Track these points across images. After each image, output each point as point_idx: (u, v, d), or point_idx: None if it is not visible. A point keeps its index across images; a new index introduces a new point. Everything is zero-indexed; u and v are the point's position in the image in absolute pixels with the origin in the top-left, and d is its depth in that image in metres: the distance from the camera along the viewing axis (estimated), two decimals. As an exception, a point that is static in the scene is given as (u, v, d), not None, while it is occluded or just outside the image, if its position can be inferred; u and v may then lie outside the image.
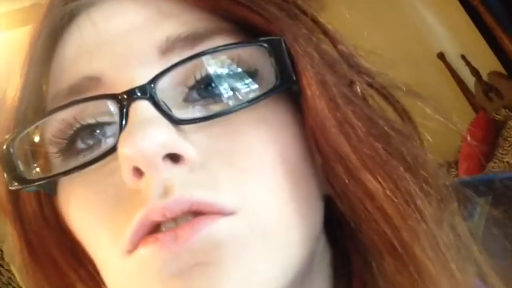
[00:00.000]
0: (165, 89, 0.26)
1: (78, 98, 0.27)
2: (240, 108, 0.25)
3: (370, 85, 0.29)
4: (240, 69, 0.27)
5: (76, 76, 0.27)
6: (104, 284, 0.28)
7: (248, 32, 0.28)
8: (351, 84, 0.28)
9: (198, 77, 0.27)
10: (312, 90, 0.26)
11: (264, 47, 0.27)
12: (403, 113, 0.30)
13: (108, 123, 0.27)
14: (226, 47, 0.26)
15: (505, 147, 1.71)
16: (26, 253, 0.31)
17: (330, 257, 0.31)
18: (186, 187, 0.24)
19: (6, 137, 0.28)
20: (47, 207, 0.30)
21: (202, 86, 0.27)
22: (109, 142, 0.27)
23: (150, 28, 0.27)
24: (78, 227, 0.28)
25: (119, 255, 0.25)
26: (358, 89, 0.29)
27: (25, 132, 0.28)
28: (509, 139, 1.70)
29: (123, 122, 0.25)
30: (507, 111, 1.77)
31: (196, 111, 0.26)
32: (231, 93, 0.26)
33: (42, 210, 0.30)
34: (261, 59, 0.27)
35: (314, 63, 0.27)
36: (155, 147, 0.23)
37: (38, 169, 0.28)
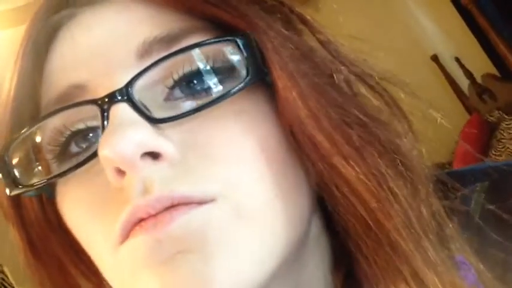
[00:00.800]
0: (144, 90, 0.27)
1: (68, 104, 0.28)
2: (213, 104, 0.26)
3: (353, 73, 0.30)
4: (214, 65, 0.27)
5: (63, 85, 0.29)
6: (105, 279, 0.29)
7: (223, 28, 0.29)
8: (331, 72, 0.29)
9: (176, 76, 0.27)
10: (282, 82, 0.27)
11: (233, 42, 0.27)
12: (390, 100, 0.30)
13: (98, 127, 0.28)
14: (196, 45, 0.27)
15: (498, 148, 1.72)
16: (30, 254, 0.32)
17: (327, 243, 0.32)
18: (165, 183, 0.25)
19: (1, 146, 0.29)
20: (50, 210, 0.31)
21: (182, 84, 0.28)
22: (93, 144, 0.28)
23: (127, 34, 0.28)
24: (74, 225, 0.29)
25: (110, 249, 0.26)
26: (338, 78, 0.29)
27: (18, 141, 0.29)
28: (502, 140, 1.71)
29: (104, 125, 0.26)
30: (500, 112, 1.79)
31: (176, 109, 0.27)
32: (207, 89, 0.27)
33: (44, 213, 0.31)
34: (235, 54, 0.28)
35: (285, 55, 0.27)
36: (131, 148, 0.24)
37: (35, 174, 0.29)
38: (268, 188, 0.26)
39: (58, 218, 0.30)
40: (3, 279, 1.46)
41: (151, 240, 0.25)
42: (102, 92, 0.27)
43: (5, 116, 0.30)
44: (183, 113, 0.26)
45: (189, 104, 0.27)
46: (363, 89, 0.30)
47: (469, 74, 1.85)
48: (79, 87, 0.28)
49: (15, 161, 0.29)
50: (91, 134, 0.28)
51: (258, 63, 0.27)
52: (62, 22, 0.31)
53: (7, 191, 0.29)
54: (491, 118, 1.82)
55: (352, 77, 0.30)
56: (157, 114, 0.27)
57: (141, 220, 0.25)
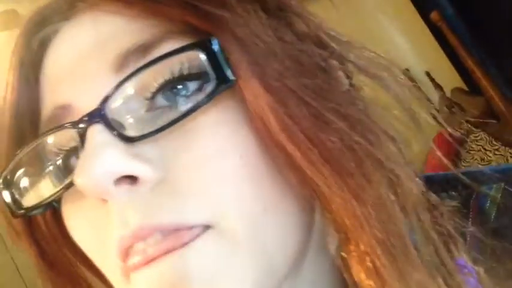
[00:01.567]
0: (121, 105, 0.26)
1: (51, 127, 0.28)
2: (183, 117, 0.25)
3: (338, 59, 0.29)
4: (185, 75, 0.26)
5: (50, 106, 0.29)
6: None
7: (195, 30, 0.28)
8: (315, 67, 0.28)
9: (151, 88, 0.27)
10: (249, 90, 0.25)
11: (198, 49, 0.26)
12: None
13: (67, 146, 0.29)
14: (161, 57, 0.26)
15: (467, 160, 1.77)
16: (43, 264, 0.32)
17: (332, 243, 0.30)
18: (143, 213, 0.24)
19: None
20: (61, 220, 0.31)
21: (159, 95, 0.27)
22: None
23: (101, 48, 0.28)
24: (79, 243, 0.29)
25: (119, 280, 0.26)
26: (324, 72, 0.28)
27: (16, 161, 0.29)
28: (471, 152, 1.76)
29: (82, 150, 0.26)
30: (469, 125, 1.84)
31: (156, 121, 0.26)
32: (181, 99, 0.26)
33: (59, 224, 0.31)
34: (202, 62, 0.26)
35: (254, 58, 0.26)
36: (102, 175, 0.24)
37: (38, 192, 0.29)
38: (254, 206, 0.25)
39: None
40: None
41: (152, 274, 0.24)
42: (85, 110, 0.27)
43: (5, 134, 0.31)
44: (156, 130, 0.25)
45: (167, 115, 0.26)
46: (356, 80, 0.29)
47: (439, 88, 1.90)
48: (64, 108, 0.28)
49: (17, 181, 0.29)
50: (64, 152, 0.29)
51: (225, 70, 0.26)
52: (49, 38, 0.31)
53: (12, 213, 0.29)
54: (461, 131, 1.88)
55: (342, 68, 0.29)
56: (137, 129, 0.26)
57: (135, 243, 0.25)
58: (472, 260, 0.29)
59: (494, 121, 1.64)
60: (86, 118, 0.26)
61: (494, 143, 1.73)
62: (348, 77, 0.30)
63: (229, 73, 0.26)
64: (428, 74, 1.95)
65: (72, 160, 0.29)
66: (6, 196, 0.29)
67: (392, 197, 0.26)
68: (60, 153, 0.29)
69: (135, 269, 0.25)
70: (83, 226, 0.27)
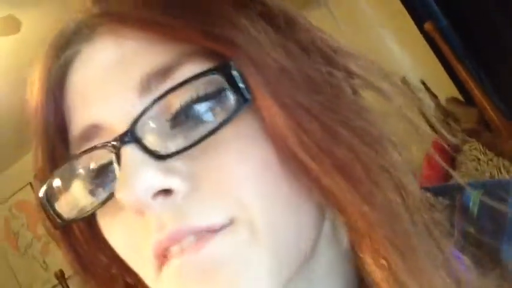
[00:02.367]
0: (149, 125, 0.29)
1: (85, 146, 0.31)
2: (208, 136, 0.27)
3: (347, 72, 0.31)
4: (207, 96, 0.28)
5: (81, 125, 0.31)
6: None
7: (212, 52, 0.29)
8: (323, 80, 0.29)
9: (174, 110, 0.29)
10: (266, 109, 0.28)
11: (217, 73, 0.28)
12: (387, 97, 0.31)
13: (101, 164, 0.30)
14: (185, 82, 0.28)
15: (461, 171, 1.79)
16: (79, 268, 0.34)
17: (344, 236, 0.32)
18: (178, 218, 0.27)
19: (41, 184, 0.31)
20: (96, 226, 0.33)
21: (182, 114, 0.29)
22: (111, 183, 0.30)
23: (124, 70, 0.30)
24: (116, 249, 0.31)
25: (153, 276, 0.29)
26: (331, 86, 0.29)
27: (54, 179, 0.31)
28: (465, 162, 1.78)
29: (118, 167, 0.28)
30: (463, 135, 1.86)
31: (180, 139, 0.28)
32: (204, 118, 0.28)
33: (91, 228, 0.33)
34: (222, 84, 0.28)
35: (268, 78, 0.28)
36: (142, 194, 0.26)
37: (74, 205, 0.31)
38: (274, 204, 0.28)
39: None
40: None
41: (185, 273, 0.27)
42: (117, 130, 0.29)
43: (38, 151, 0.33)
44: (185, 147, 0.27)
45: (192, 132, 0.28)
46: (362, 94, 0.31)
47: (434, 97, 1.92)
48: (96, 127, 0.30)
49: (55, 195, 0.31)
50: (99, 170, 0.31)
51: (243, 91, 0.28)
52: (71, 58, 0.33)
53: (54, 226, 0.31)
54: (455, 141, 1.90)
55: (349, 81, 0.31)
56: (165, 146, 0.28)
57: (171, 246, 0.27)
58: (460, 250, 0.31)
59: (487, 132, 1.66)
60: (118, 139, 0.28)
61: (488, 153, 1.75)
62: (353, 88, 0.32)
63: (246, 94, 0.28)
64: (423, 82, 1.98)
65: (105, 175, 0.31)
66: (49, 210, 0.31)
67: (399, 200, 0.29)
68: (92, 169, 0.31)
69: (174, 257, 0.27)
70: (119, 233, 0.30)
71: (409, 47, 1.99)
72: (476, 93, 1.53)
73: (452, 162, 1.86)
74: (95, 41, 0.32)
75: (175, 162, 0.28)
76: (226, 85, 0.28)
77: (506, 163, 1.68)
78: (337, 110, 0.29)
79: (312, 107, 0.28)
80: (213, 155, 0.28)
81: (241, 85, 0.28)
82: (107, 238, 0.31)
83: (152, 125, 0.29)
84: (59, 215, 0.31)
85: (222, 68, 0.28)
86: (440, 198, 0.35)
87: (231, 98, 0.28)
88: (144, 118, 0.28)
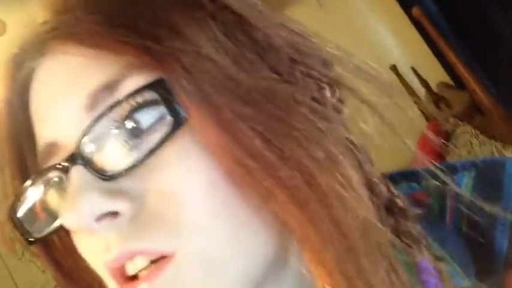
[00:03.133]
0: (96, 144, 0.29)
1: (48, 162, 0.31)
2: (150, 154, 0.27)
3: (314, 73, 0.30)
4: (149, 112, 0.28)
5: (41, 143, 0.31)
6: None
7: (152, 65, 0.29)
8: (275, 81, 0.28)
9: (118, 127, 0.28)
10: (200, 126, 0.27)
11: (152, 90, 0.28)
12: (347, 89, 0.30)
13: (56, 183, 0.31)
14: (118, 103, 0.28)
15: (456, 155, 1.80)
16: (63, 280, 0.35)
17: None
18: (122, 241, 0.27)
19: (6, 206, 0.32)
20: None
21: (127, 133, 0.28)
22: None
23: (73, 87, 0.30)
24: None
25: None
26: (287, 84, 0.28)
27: (20, 197, 0.32)
28: (457, 146, 1.79)
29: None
30: (455, 119, 1.86)
31: (127, 158, 0.28)
32: (147, 135, 0.28)
33: (70, 240, 0.33)
34: (157, 101, 0.28)
35: (204, 92, 0.27)
36: (86, 217, 0.26)
37: (44, 221, 0.32)
38: (223, 226, 0.27)
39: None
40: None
41: None
42: (67, 148, 0.29)
43: (6, 165, 0.33)
44: (128, 167, 0.27)
45: (136, 151, 0.28)
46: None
47: (425, 83, 1.92)
48: (51, 145, 0.30)
49: (23, 214, 0.31)
50: (54, 190, 0.32)
51: (178, 109, 0.27)
52: (29, 75, 0.33)
53: (27, 243, 0.31)
54: (448, 125, 1.90)
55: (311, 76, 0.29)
56: (113, 164, 0.28)
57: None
58: (434, 259, 0.30)
59: (479, 115, 1.67)
60: (66, 160, 0.29)
61: (480, 136, 1.76)
62: (318, 88, 0.30)
63: (181, 112, 0.27)
64: (414, 69, 1.98)
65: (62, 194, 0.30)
66: (19, 227, 0.31)
67: (349, 220, 0.27)
68: (53, 186, 0.31)
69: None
70: (84, 248, 0.31)
71: (398, 33, 1.99)
72: (466, 76, 1.53)
73: (445, 147, 1.87)
74: (45, 58, 0.32)
75: (124, 181, 0.28)
76: (161, 103, 0.27)
77: (499, 146, 1.68)
78: (288, 122, 0.27)
79: (256, 120, 0.27)
80: (157, 174, 0.27)
81: (174, 103, 0.27)
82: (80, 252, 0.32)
83: (99, 143, 0.28)
84: (28, 233, 0.31)
85: (156, 85, 0.28)
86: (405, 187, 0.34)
87: (168, 115, 0.27)
88: (90, 136, 0.28)
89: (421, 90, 1.99)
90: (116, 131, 0.28)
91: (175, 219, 0.27)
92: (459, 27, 1.55)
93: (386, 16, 2.02)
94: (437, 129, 1.87)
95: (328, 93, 0.30)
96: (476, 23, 1.49)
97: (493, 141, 1.71)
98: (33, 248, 0.34)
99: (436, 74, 1.90)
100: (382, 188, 0.31)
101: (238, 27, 0.29)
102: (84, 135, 0.28)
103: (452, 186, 0.33)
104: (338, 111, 0.30)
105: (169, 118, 0.27)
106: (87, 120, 0.29)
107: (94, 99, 0.29)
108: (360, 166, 0.29)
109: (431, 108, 1.95)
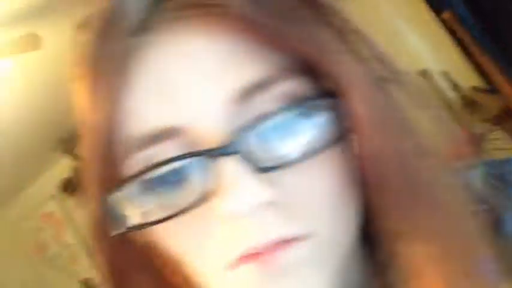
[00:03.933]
0: (253, 138, 0.28)
1: (151, 149, 0.29)
2: (315, 154, 0.28)
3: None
4: (312, 115, 0.29)
5: (154, 126, 0.29)
6: None
7: (309, 67, 0.29)
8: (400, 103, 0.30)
9: (273, 124, 0.29)
10: (366, 145, 0.29)
11: (335, 100, 0.29)
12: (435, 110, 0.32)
13: (186, 166, 0.29)
14: (303, 102, 0.28)
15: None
16: (113, 281, 0.34)
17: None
18: (277, 227, 0.28)
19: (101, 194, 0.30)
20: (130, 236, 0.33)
21: (281, 131, 0.29)
22: (196, 188, 0.29)
23: (222, 75, 0.28)
24: (178, 251, 0.31)
25: (221, 271, 0.30)
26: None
27: (120, 190, 0.29)
28: (489, 151, 1.76)
29: (215, 177, 0.28)
30: (488, 124, 1.84)
31: (276, 155, 0.29)
32: (305, 137, 0.29)
33: (124, 240, 0.33)
34: (329, 103, 0.29)
35: (370, 116, 0.29)
36: (253, 205, 0.27)
37: (133, 212, 0.30)
38: (342, 221, 0.30)
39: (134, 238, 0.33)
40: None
41: (263, 270, 0.29)
42: (197, 138, 0.28)
43: (95, 146, 0.30)
44: (287, 163, 0.28)
45: (286, 150, 0.29)
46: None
47: (456, 88, 1.90)
48: (171, 130, 0.29)
49: (117, 200, 0.30)
50: (181, 174, 0.29)
51: (345, 125, 0.29)
52: (140, 47, 0.30)
53: (117, 231, 0.30)
54: (480, 130, 1.88)
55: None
56: (263, 158, 0.28)
57: (254, 253, 0.29)
58: None
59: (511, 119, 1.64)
60: (221, 148, 0.28)
61: (514, 141, 1.73)
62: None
63: (349, 127, 0.29)
64: (445, 73, 1.96)
65: (185, 182, 0.29)
66: (115, 215, 0.30)
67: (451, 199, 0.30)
68: (161, 176, 0.29)
69: (253, 263, 0.29)
70: (190, 238, 0.30)
71: (429, 37, 1.98)
72: (499, 80, 1.51)
73: (477, 151, 1.84)
74: (179, 33, 0.29)
75: (273, 175, 0.28)
76: (335, 110, 0.29)
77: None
78: (413, 134, 0.30)
79: (397, 137, 0.29)
80: (301, 173, 0.29)
81: (345, 119, 0.29)
82: (169, 242, 0.31)
83: (256, 137, 0.29)
84: (124, 220, 0.30)
85: (335, 103, 0.29)
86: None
87: (338, 122, 0.29)
88: (253, 130, 0.28)
89: (452, 95, 1.98)
90: (271, 126, 0.29)
91: (315, 208, 0.29)
92: (491, 31, 1.53)
93: (416, 21, 2.01)
94: (470, 134, 1.85)
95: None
96: (508, 26, 1.47)
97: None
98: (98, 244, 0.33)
99: (468, 79, 1.88)
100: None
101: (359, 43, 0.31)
102: (249, 127, 0.28)
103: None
104: None
105: (335, 126, 0.29)
106: (234, 113, 0.28)
107: (245, 94, 0.28)
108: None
109: (463, 113, 1.93)
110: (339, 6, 0.30)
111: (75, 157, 2.70)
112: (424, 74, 2.00)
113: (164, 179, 0.29)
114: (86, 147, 0.31)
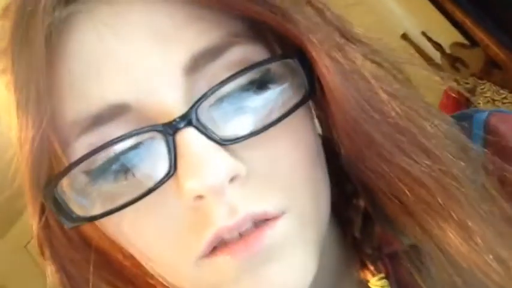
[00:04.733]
0: (209, 109, 0.27)
1: (98, 131, 0.26)
2: (278, 121, 0.27)
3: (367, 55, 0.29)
4: (271, 81, 0.28)
5: (100, 104, 0.26)
6: None
7: (263, 32, 0.28)
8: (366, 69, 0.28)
9: (235, 92, 0.27)
10: (337, 96, 0.27)
11: (292, 61, 0.27)
12: (405, 80, 0.31)
13: (138, 145, 0.27)
14: (258, 65, 0.26)
15: (479, 113, 1.79)
16: (67, 282, 0.31)
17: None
18: (245, 204, 0.26)
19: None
20: (73, 234, 0.31)
21: (237, 102, 0.27)
22: (156, 169, 0.26)
23: (165, 47, 0.26)
24: (137, 243, 0.29)
25: (190, 264, 0.27)
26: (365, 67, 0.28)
27: (67, 175, 0.26)
28: (480, 105, 1.78)
29: (174, 152, 0.25)
30: (474, 79, 1.85)
31: (236, 126, 0.27)
32: (266, 106, 0.27)
33: (65, 232, 0.30)
34: (294, 71, 0.28)
35: (334, 70, 0.27)
36: (222, 181, 0.25)
37: (84, 203, 0.28)
38: (314, 191, 0.29)
39: (78, 234, 0.31)
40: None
41: (240, 259, 0.26)
42: (148, 112, 0.26)
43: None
44: (250, 133, 0.26)
45: (247, 121, 0.27)
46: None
47: (438, 46, 1.91)
48: (120, 107, 0.26)
49: (64, 193, 0.27)
50: (135, 154, 0.27)
51: (313, 80, 0.27)
52: (80, 14, 0.26)
53: (66, 224, 0.28)
54: (467, 85, 1.89)
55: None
56: (222, 132, 0.26)
57: (226, 243, 0.26)
58: None
59: (497, 69, 1.66)
60: (178, 121, 0.25)
61: (501, 91, 1.74)
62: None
63: (315, 84, 0.27)
64: (424, 34, 1.97)
65: (134, 163, 0.27)
66: (65, 207, 0.27)
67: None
68: (116, 157, 0.27)
69: (228, 251, 0.27)
70: (153, 227, 0.27)
71: (404, 0, 1.98)
72: (477, 32, 1.52)
73: (467, 106, 1.86)
74: (122, 2, 0.26)
75: (236, 149, 0.27)
76: (297, 74, 0.27)
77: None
78: (402, 98, 0.29)
79: (374, 80, 0.28)
80: (266, 144, 0.27)
81: (312, 75, 0.27)
82: (128, 232, 0.28)
83: (212, 108, 0.27)
84: (72, 213, 0.27)
85: (297, 56, 0.27)
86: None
87: (299, 87, 0.28)
88: (209, 100, 0.26)
89: (435, 54, 1.98)
90: (231, 96, 0.27)
91: (282, 186, 0.27)
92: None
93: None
94: (457, 90, 1.86)
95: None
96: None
97: (515, 94, 1.70)
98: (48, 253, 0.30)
99: (448, 36, 1.89)
100: None
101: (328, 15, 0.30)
102: (204, 98, 0.26)
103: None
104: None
105: (297, 90, 0.27)
106: (183, 83, 0.26)
107: (195, 63, 0.26)
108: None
109: (448, 70, 1.94)
110: None
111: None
112: (405, 37, 2.00)
113: (113, 164, 0.26)
114: (22, 146, 0.27)
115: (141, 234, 0.28)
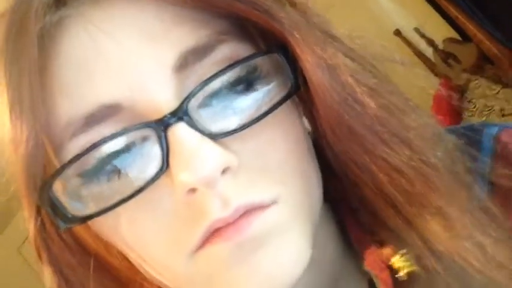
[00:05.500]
0: (200, 104, 0.28)
1: (91, 131, 0.26)
2: (267, 115, 0.27)
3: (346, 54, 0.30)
4: (258, 77, 0.28)
5: (92, 103, 0.26)
6: None
7: (248, 30, 0.29)
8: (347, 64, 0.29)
9: (219, 89, 0.28)
10: (319, 89, 0.28)
11: (276, 55, 0.28)
12: (383, 75, 0.31)
13: (130, 145, 0.27)
14: (245, 60, 0.27)
15: (471, 109, 1.79)
16: (63, 284, 0.31)
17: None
18: (238, 195, 0.27)
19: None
20: (67, 236, 0.31)
21: (226, 97, 0.28)
22: (149, 167, 0.27)
23: (154, 46, 0.27)
24: (133, 242, 0.29)
25: (184, 259, 0.28)
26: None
27: (61, 175, 0.27)
28: (473, 100, 1.78)
29: (166, 148, 0.26)
30: (467, 74, 1.86)
31: (226, 121, 0.28)
32: (254, 100, 0.28)
33: (61, 236, 0.31)
34: (278, 66, 0.29)
35: (317, 65, 0.28)
36: (214, 171, 0.25)
37: (79, 204, 0.28)
38: (304, 182, 0.30)
39: (72, 236, 0.31)
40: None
41: (232, 245, 0.27)
42: (140, 110, 0.26)
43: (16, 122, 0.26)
44: (240, 127, 0.27)
45: (237, 115, 0.28)
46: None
47: (431, 42, 1.92)
48: (112, 107, 0.26)
49: (58, 193, 0.27)
50: (127, 154, 0.27)
51: (297, 75, 0.28)
52: (66, 21, 0.27)
53: (61, 225, 0.28)
54: (460, 81, 1.90)
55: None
56: (213, 127, 0.27)
57: (217, 229, 0.27)
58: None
59: (489, 64, 1.66)
60: (169, 117, 0.26)
61: (494, 87, 1.75)
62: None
63: (300, 80, 0.28)
64: (417, 30, 1.97)
65: (124, 160, 0.27)
66: (60, 208, 0.27)
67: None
68: (107, 156, 0.27)
69: (220, 238, 0.27)
70: (146, 223, 0.28)
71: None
72: (470, 27, 1.52)
73: (461, 102, 1.87)
74: (101, 2, 0.27)
75: (226, 142, 0.27)
76: (281, 68, 0.28)
77: (513, 93, 1.68)
78: (381, 92, 0.29)
79: (360, 77, 0.29)
80: (257, 135, 0.28)
81: (296, 69, 0.28)
82: (120, 230, 0.28)
83: (203, 102, 0.28)
84: (66, 213, 0.27)
85: (281, 51, 0.28)
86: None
87: (285, 81, 0.28)
88: (199, 95, 0.27)
89: (428, 50, 1.99)
90: (218, 91, 0.27)
91: (273, 176, 0.28)
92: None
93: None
94: (450, 86, 1.87)
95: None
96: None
97: (507, 89, 1.71)
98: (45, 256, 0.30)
99: (441, 31, 1.89)
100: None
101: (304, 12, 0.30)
102: (195, 93, 0.26)
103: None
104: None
105: (284, 83, 0.28)
106: (173, 81, 0.27)
107: (184, 61, 0.27)
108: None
109: (441, 66, 1.95)
110: None
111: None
112: (398, 33, 2.01)
113: (106, 164, 0.27)
114: (16, 148, 0.27)
115: (136, 232, 0.28)
